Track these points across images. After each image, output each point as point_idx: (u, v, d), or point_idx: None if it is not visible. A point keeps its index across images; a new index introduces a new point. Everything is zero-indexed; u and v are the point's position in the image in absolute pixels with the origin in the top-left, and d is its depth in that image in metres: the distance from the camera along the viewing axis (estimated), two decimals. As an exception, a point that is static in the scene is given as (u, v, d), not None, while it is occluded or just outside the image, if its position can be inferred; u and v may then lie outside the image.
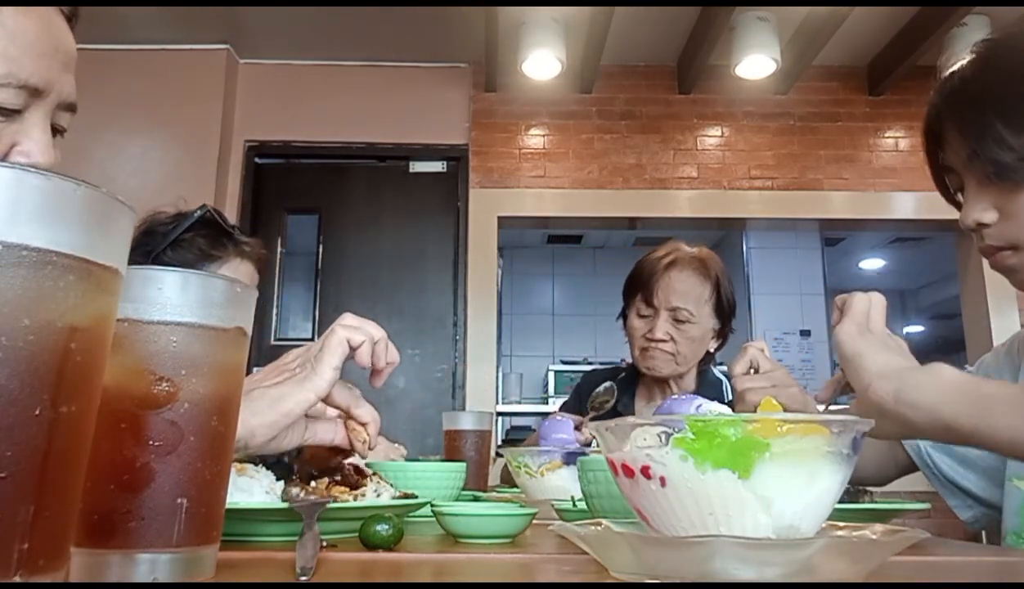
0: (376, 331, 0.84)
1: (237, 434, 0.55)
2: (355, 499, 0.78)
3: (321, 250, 4.00)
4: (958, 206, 0.98)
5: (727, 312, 1.85)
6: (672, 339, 1.79)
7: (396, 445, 1.45)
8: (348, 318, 0.84)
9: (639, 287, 1.86)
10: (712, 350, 1.88)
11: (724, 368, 1.93)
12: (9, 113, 0.78)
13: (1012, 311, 3.76)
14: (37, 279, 0.33)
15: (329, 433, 0.83)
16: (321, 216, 4.04)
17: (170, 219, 1.41)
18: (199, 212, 1.40)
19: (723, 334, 1.88)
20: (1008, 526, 1.04)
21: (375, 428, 0.84)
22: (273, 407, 0.75)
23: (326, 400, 0.83)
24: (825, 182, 3.96)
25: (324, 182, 4.08)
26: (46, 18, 0.80)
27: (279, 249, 4.00)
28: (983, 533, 1.29)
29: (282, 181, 4.12)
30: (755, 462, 0.47)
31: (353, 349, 0.81)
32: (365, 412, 0.84)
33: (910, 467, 1.21)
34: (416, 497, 0.85)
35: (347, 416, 0.84)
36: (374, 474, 0.85)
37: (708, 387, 1.84)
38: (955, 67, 0.97)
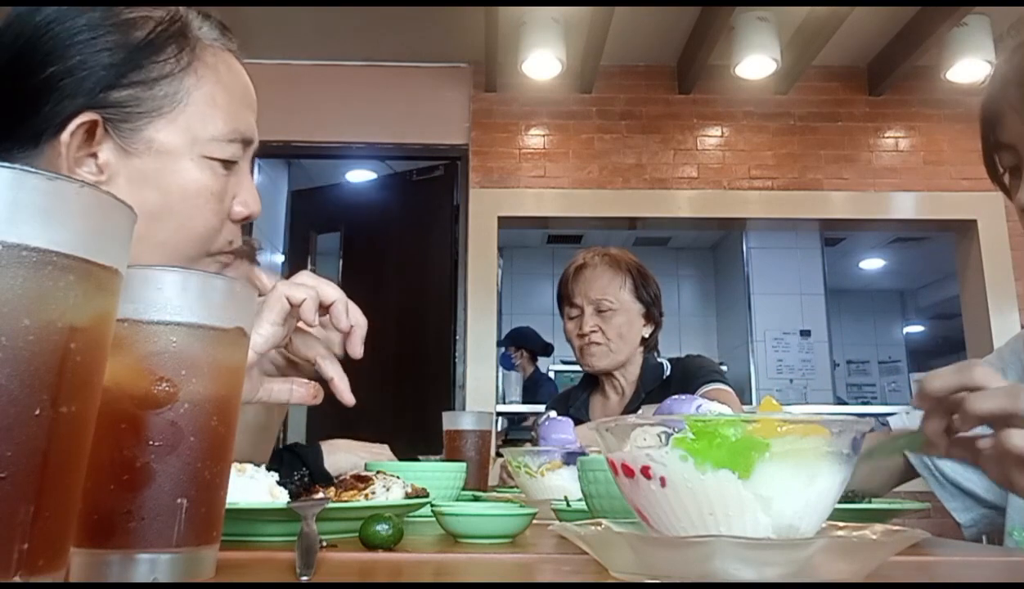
0: (329, 291, 0.81)
1: None
2: (365, 497, 0.77)
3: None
4: (1004, 187, 0.97)
5: (649, 297, 1.97)
6: (600, 330, 1.93)
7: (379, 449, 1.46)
8: (300, 276, 0.81)
9: (562, 296, 2.03)
10: (647, 335, 1.97)
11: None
12: (231, 165, 0.83)
13: (1012, 311, 3.76)
14: (37, 279, 0.33)
15: (284, 394, 0.83)
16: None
17: None
18: None
19: (652, 318, 1.98)
20: (1014, 522, 1.04)
21: (342, 383, 0.83)
22: None
23: (292, 352, 0.82)
24: (825, 182, 3.96)
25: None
26: (244, 71, 0.87)
27: (308, 267, 4.07)
28: (983, 536, 1.28)
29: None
30: (755, 462, 0.47)
31: (295, 306, 0.79)
32: (329, 366, 0.83)
33: (910, 474, 1.19)
34: (427, 494, 0.85)
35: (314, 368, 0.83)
36: (378, 472, 0.85)
37: (650, 371, 1.94)
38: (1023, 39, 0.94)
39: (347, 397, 0.83)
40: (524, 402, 4.57)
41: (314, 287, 0.80)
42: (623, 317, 1.93)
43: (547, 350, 5.21)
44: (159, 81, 0.78)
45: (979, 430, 0.72)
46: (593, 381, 2.05)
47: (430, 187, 4.10)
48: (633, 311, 1.95)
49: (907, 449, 0.83)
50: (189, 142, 0.80)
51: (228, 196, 0.84)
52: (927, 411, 0.74)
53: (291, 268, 4.28)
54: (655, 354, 2.01)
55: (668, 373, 1.92)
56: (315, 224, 4.42)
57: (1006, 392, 0.68)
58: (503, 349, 4.87)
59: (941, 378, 0.72)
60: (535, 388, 4.86)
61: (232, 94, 0.84)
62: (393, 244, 4.09)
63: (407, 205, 4.17)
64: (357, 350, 0.84)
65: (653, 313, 1.98)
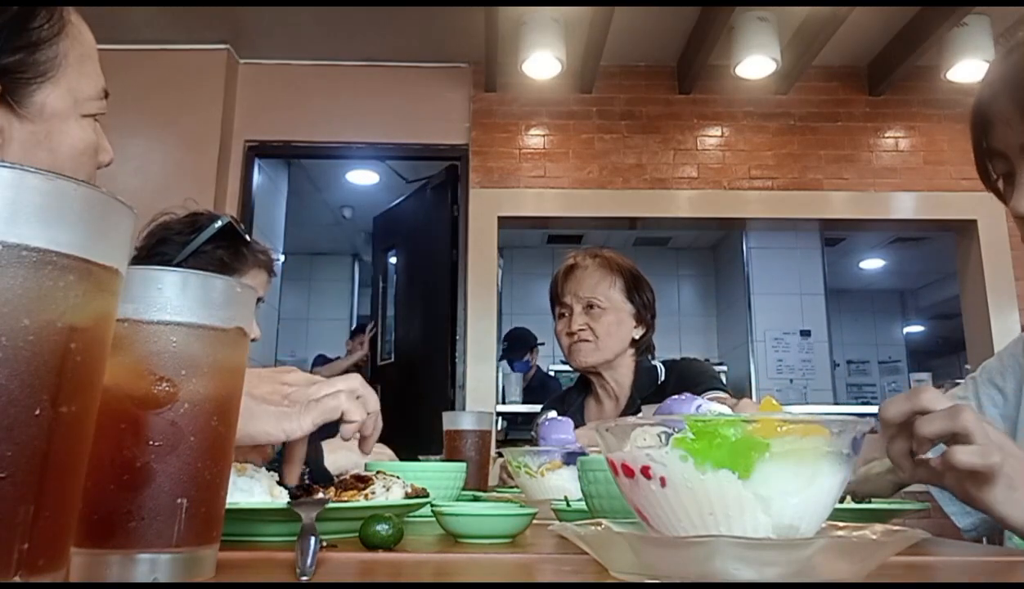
0: (373, 405, 0.85)
1: None
2: (365, 497, 0.77)
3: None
4: (998, 193, 0.95)
5: (640, 298, 1.95)
6: (589, 327, 1.91)
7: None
8: (355, 382, 0.84)
9: (552, 297, 2.02)
10: (637, 337, 1.95)
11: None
12: (99, 118, 0.87)
13: (1012, 311, 3.76)
14: (37, 279, 0.33)
15: (301, 451, 0.84)
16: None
17: (184, 226, 1.38)
18: (220, 223, 1.37)
19: (643, 320, 1.95)
20: None
21: (293, 473, 0.84)
22: (244, 424, 0.74)
23: None
24: (825, 182, 3.96)
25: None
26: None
27: (380, 284, 4.36)
28: (983, 539, 1.27)
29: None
30: (755, 462, 0.47)
31: (345, 421, 0.82)
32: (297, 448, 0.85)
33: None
34: (427, 494, 0.85)
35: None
36: (378, 472, 0.86)
37: (643, 375, 1.92)
38: (1015, 43, 0.90)
39: (291, 480, 0.85)
40: (526, 402, 4.53)
41: (364, 405, 0.83)
42: (612, 316, 1.91)
43: (536, 340, 5.22)
44: (40, 45, 0.81)
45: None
46: (587, 386, 2.03)
47: (431, 188, 4.10)
48: (624, 311, 1.93)
49: (880, 476, 0.85)
50: (72, 103, 0.84)
51: (99, 148, 0.89)
52: (890, 437, 0.77)
53: (374, 285, 4.61)
54: (648, 357, 1.99)
55: (663, 377, 1.89)
56: (384, 245, 4.68)
57: (947, 413, 0.71)
58: (524, 358, 4.88)
59: (895, 405, 0.75)
60: (541, 388, 4.72)
61: (93, 50, 0.87)
62: (400, 248, 4.12)
63: (413, 209, 4.18)
64: (368, 450, 0.88)
65: (644, 315, 1.96)
